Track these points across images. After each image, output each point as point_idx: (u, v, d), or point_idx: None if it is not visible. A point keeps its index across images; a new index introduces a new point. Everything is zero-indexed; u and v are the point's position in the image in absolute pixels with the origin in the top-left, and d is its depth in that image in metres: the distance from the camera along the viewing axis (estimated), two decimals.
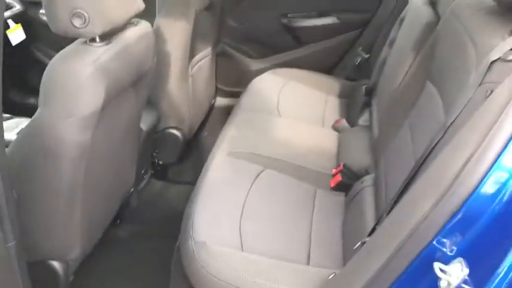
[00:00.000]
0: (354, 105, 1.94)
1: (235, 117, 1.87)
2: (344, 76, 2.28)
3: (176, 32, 1.75)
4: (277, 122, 1.85)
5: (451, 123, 0.96)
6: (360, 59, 2.17)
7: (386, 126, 1.47)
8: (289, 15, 2.30)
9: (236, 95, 2.38)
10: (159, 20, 1.74)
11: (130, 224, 1.88)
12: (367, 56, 2.14)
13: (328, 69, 2.33)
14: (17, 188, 1.15)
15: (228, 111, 2.09)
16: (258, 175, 1.51)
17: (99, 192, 1.40)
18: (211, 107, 2.45)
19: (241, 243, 1.25)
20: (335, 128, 1.88)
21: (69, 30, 1.09)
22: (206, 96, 2.25)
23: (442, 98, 1.14)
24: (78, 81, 1.07)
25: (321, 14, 2.27)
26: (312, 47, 2.33)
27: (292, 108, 1.96)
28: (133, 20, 1.30)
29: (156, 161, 2.01)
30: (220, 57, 2.38)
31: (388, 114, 1.46)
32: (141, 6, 1.26)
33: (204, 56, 2.13)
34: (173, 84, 1.82)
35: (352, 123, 1.86)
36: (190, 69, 1.96)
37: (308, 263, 1.24)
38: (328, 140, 1.78)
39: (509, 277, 0.74)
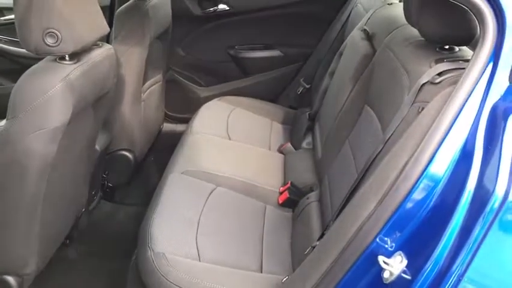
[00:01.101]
0: (297, 130, 2.08)
1: (187, 139, 1.95)
2: (287, 104, 2.44)
3: (131, 58, 1.82)
4: (227, 144, 1.95)
5: (389, 138, 1.11)
6: (301, 89, 2.34)
7: (329, 147, 1.62)
8: (236, 46, 2.45)
9: (183, 121, 2.46)
10: (115, 45, 1.80)
11: (79, 243, 1.87)
12: (308, 86, 2.31)
13: (272, 97, 2.48)
14: None
15: (174, 137, 2.16)
16: (211, 192, 1.59)
17: (57, 208, 1.42)
18: (159, 132, 2.51)
19: (199, 254, 1.32)
20: (281, 151, 2.01)
21: (41, 48, 1.15)
22: (155, 121, 2.32)
23: (379, 119, 1.30)
24: (49, 96, 1.12)
25: (266, 47, 2.44)
26: (258, 77, 2.48)
27: (241, 132, 2.08)
28: (98, 42, 1.37)
29: (106, 182, 2.03)
30: (169, 84, 2.46)
31: (331, 136, 1.61)
32: (107, 29, 1.34)
33: (155, 82, 2.20)
34: (126, 107, 1.88)
35: (296, 146, 2.00)
36: (143, 94, 2.02)
37: (261, 271, 1.33)
38: (275, 161, 1.91)
39: (439, 264, 0.87)
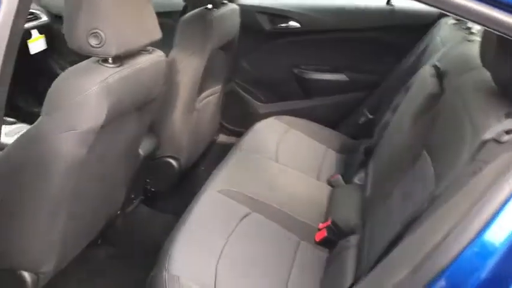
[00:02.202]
0: (351, 163, 1.95)
1: (233, 156, 1.88)
2: (346, 133, 2.30)
3: (189, 66, 1.79)
4: (273, 166, 1.86)
5: (439, 195, 0.97)
6: (364, 119, 2.20)
7: (378, 189, 1.47)
8: (301, 66, 2.36)
9: (239, 134, 2.40)
10: (175, 52, 1.78)
11: (111, 245, 1.86)
12: (371, 117, 2.17)
13: (332, 123, 2.36)
14: (4, 190, 1.15)
15: (228, 149, 2.11)
16: (243, 217, 1.50)
17: (85, 209, 1.39)
18: (213, 143, 2.48)
19: (215, 283, 1.23)
20: (329, 182, 1.88)
21: (84, 48, 1.12)
22: (209, 131, 2.28)
23: (435, 169, 1.15)
24: (83, 97, 1.10)
25: (332, 70, 2.32)
26: (319, 100, 2.38)
27: (290, 156, 1.97)
28: (148, 48, 1.33)
29: (148, 187, 2.01)
30: (228, 95, 2.42)
31: (382, 177, 1.47)
32: (158, 35, 1.30)
33: (213, 92, 2.16)
34: (177, 115, 1.85)
35: (347, 180, 1.86)
36: (197, 103, 1.99)
37: None
38: (320, 192, 1.78)
39: None
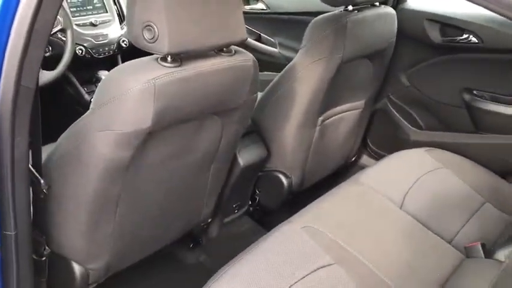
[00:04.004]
0: (503, 230, 1.44)
1: (348, 186, 1.57)
2: None
3: (310, 75, 1.55)
4: (391, 213, 1.48)
5: None
6: None
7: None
8: (475, 91, 1.86)
9: (377, 157, 2.07)
10: (298, 57, 1.56)
11: (202, 252, 1.77)
12: None
13: (502, 171, 1.81)
14: (53, 177, 1.12)
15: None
16: (321, 267, 1.21)
17: (147, 214, 1.30)
18: (352, 164, 2.17)
19: None
20: (466, 250, 1.42)
21: (140, 42, 1.01)
22: (341, 152, 1.99)
23: None
24: (124, 95, 0.98)
25: None
26: (491, 138, 1.84)
27: (423, 204, 1.56)
28: (231, 49, 1.15)
29: (257, 199, 1.85)
30: (379, 113, 2.08)
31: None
32: (241, 36, 1.11)
33: (352, 108, 1.86)
34: (290, 129, 1.63)
35: (488, 251, 1.38)
36: (322, 119, 1.73)
37: None
38: (442, 265, 1.34)
39: None
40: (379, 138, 2.13)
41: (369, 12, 1.61)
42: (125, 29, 1.94)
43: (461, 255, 1.42)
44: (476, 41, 1.77)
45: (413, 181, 1.64)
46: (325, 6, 1.63)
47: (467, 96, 1.88)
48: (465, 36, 1.79)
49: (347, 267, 1.23)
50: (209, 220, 1.61)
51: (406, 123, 2.05)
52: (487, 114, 1.84)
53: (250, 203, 1.84)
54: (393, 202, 1.54)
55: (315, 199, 2.00)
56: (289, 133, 1.64)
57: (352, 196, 1.52)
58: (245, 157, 1.57)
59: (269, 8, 2.42)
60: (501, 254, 1.34)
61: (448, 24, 1.82)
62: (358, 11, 1.57)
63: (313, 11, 2.17)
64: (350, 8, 1.56)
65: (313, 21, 1.55)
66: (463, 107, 1.90)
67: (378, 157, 2.14)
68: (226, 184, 1.57)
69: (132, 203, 1.20)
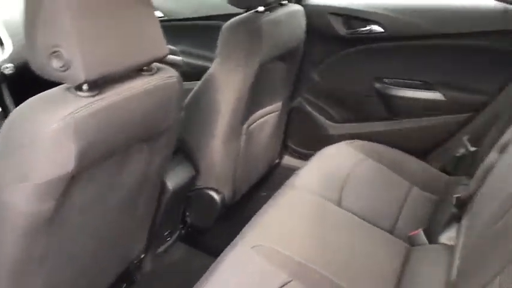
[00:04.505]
0: (439, 213, 1.48)
1: (284, 194, 1.51)
2: (439, 166, 1.81)
3: (231, 83, 1.46)
4: (333, 214, 1.45)
5: None
6: (462, 151, 1.69)
7: (472, 271, 1.01)
8: (385, 79, 1.90)
9: (306, 157, 2.03)
10: (215, 66, 1.46)
11: None
12: (473, 149, 1.66)
13: (420, 153, 1.88)
14: None
15: (291, 174, 1.75)
16: (280, 287, 1.13)
17: (77, 265, 1.12)
18: (275, 166, 2.12)
19: None
20: (408, 238, 1.43)
21: (49, 73, 0.84)
22: (267, 156, 1.93)
23: None
24: (40, 138, 0.81)
25: (424, 86, 1.83)
26: (406, 123, 1.90)
27: (359, 196, 1.55)
28: (153, 66, 1.02)
29: (188, 221, 1.72)
30: (295, 112, 2.05)
31: (482, 256, 1.01)
32: (162, 51, 0.98)
33: (271, 111, 1.81)
34: (217, 142, 1.53)
35: (431, 237, 1.40)
36: (246, 126, 1.65)
37: None
38: (391, 257, 1.34)
39: None
40: (299, 137, 2.11)
41: (280, 12, 1.56)
42: (7, 51, 1.67)
43: (406, 244, 1.43)
44: (381, 31, 1.81)
45: (344, 177, 1.63)
46: (227, 9, 1.55)
47: (378, 85, 1.92)
48: (369, 26, 1.82)
49: (305, 281, 1.17)
50: (142, 256, 1.46)
51: (323, 118, 2.05)
52: (399, 100, 1.89)
53: (181, 226, 1.71)
54: (331, 201, 1.51)
55: (247, 209, 1.94)
56: (216, 147, 1.54)
57: (292, 203, 1.46)
58: (173, 180, 1.43)
59: (166, 16, 2.28)
60: (445, 238, 1.36)
61: (351, 17, 1.84)
62: (270, 11, 1.51)
63: (214, 15, 2.08)
64: (260, 9, 1.49)
65: (225, 26, 1.46)
66: (375, 95, 1.93)
67: (300, 156, 2.12)
68: (157, 213, 1.43)
69: (60, 257, 1.02)
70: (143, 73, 0.99)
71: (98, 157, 0.92)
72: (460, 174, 1.68)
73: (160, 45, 0.97)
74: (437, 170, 1.80)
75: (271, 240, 1.27)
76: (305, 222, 1.38)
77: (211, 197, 1.64)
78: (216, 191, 1.64)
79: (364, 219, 1.47)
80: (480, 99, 1.73)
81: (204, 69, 1.54)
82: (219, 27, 1.50)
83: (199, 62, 1.88)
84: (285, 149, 2.14)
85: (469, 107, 1.77)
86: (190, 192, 1.63)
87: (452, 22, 1.72)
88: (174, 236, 1.68)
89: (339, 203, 1.51)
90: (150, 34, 0.95)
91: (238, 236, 1.31)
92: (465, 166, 1.69)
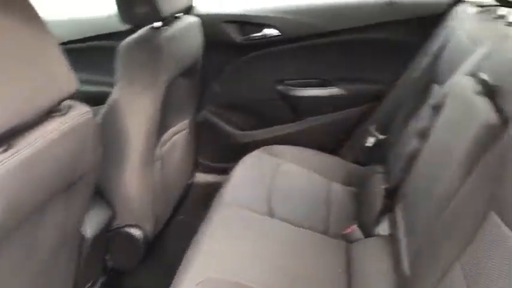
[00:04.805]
0: (368, 206, 1.50)
1: (215, 215, 1.42)
2: (351, 158, 1.86)
3: (140, 108, 1.33)
4: (269, 228, 1.40)
5: None
6: (372, 140, 1.75)
7: (424, 263, 1.03)
8: (286, 81, 1.90)
9: (220, 170, 1.97)
10: (118, 92, 1.32)
11: None
12: (382, 137, 1.72)
13: (331, 148, 1.91)
14: None
15: (209, 190, 1.67)
16: None
17: None
18: (189, 186, 2.02)
19: None
20: (344, 236, 1.44)
21: None
22: (182, 178, 1.82)
23: None
24: None
25: (325, 83, 1.87)
26: (313, 121, 1.92)
27: (288, 205, 1.52)
28: (62, 106, 0.87)
29: (109, 266, 1.55)
30: (201, 127, 1.96)
31: (428, 247, 1.02)
32: (72, 85, 0.84)
33: (180, 129, 1.71)
34: (132, 174, 1.39)
35: (366, 231, 1.42)
36: (159, 149, 1.53)
37: None
38: (335, 260, 1.33)
39: None
40: (210, 151, 2.03)
41: (177, 26, 1.46)
42: None
43: (343, 242, 1.43)
44: (277, 34, 1.80)
45: (269, 185, 1.60)
46: (116, 27, 1.42)
47: (280, 88, 1.91)
48: (265, 31, 1.80)
49: None
50: None
51: (231, 128, 1.99)
52: (303, 99, 1.91)
53: (103, 272, 1.53)
54: (264, 214, 1.47)
55: (167, 237, 1.81)
56: (130, 179, 1.40)
57: (226, 224, 1.38)
58: (91, 226, 1.27)
59: None
60: (380, 229, 1.39)
61: (246, 23, 1.80)
62: (167, 26, 1.41)
63: (103, 34, 1.92)
64: (156, 24, 1.38)
65: (122, 47, 1.32)
66: (279, 98, 1.93)
67: (214, 171, 2.04)
68: (78, 265, 1.25)
69: None
70: (54, 115, 0.84)
71: (14, 220, 0.76)
72: (374, 163, 1.74)
73: (70, 79, 0.83)
74: (351, 162, 1.84)
75: (216, 270, 1.18)
76: (245, 242, 1.31)
77: (132, 235, 1.49)
78: (137, 227, 1.49)
79: (298, 226, 1.45)
80: (380, 88, 1.81)
81: (103, 96, 1.39)
82: (111, 48, 1.36)
83: (95, 89, 1.70)
84: (198, 166, 2.05)
85: (371, 98, 1.84)
86: (108, 233, 1.47)
87: (343, 18, 1.77)
88: (98, 284, 1.51)
89: (271, 214, 1.47)
90: (55, 67, 0.80)
91: (179, 272, 1.20)
92: (377, 155, 1.75)
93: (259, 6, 1.79)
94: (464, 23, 1.47)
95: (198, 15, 1.71)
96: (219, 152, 2.03)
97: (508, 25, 1.25)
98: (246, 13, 1.79)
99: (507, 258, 0.77)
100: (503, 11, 1.34)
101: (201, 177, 2.07)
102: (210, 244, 1.28)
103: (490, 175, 0.89)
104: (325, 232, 1.47)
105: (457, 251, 0.92)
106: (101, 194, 1.40)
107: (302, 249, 1.35)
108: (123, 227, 1.48)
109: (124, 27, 1.42)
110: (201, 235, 1.33)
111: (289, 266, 1.27)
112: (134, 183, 1.41)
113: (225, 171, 1.79)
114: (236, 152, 1.83)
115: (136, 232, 1.49)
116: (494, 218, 0.84)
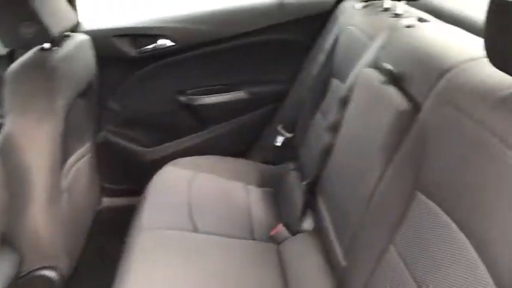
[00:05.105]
0: (289, 204, 1.52)
1: (135, 243, 1.33)
2: (262, 160, 1.88)
3: (37, 140, 1.21)
4: (195, 244, 1.35)
5: None
6: (281, 139, 1.78)
7: (358, 253, 1.06)
8: (187, 91, 1.86)
9: (130, 193, 1.86)
10: (11, 124, 1.18)
11: None
12: (289, 135, 1.76)
13: (242, 152, 1.91)
14: None
15: (122, 214, 1.58)
16: None
17: None
18: (99, 213, 1.89)
19: None
20: (272, 238, 1.44)
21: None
22: (89, 205, 1.69)
23: (458, 222, 0.77)
24: None
25: (227, 89, 1.87)
26: (220, 128, 1.91)
27: (210, 217, 1.49)
28: None
29: None
30: (103, 149, 1.84)
31: (360, 236, 1.06)
32: None
33: (83, 154, 1.59)
34: (39, 211, 1.26)
35: (292, 229, 1.44)
36: (63, 181, 1.40)
37: None
38: (268, 264, 1.32)
39: None
40: (117, 173, 1.91)
41: (68, 45, 1.35)
42: None
43: (271, 244, 1.43)
44: (172, 44, 1.75)
45: (187, 200, 1.55)
46: None
47: (182, 98, 1.87)
48: (160, 42, 1.74)
49: None
50: None
51: (135, 147, 1.90)
52: (207, 107, 1.88)
53: None
54: (188, 231, 1.41)
55: (81, 272, 1.68)
56: (38, 220, 1.26)
57: (149, 248, 1.30)
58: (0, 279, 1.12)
59: None
60: (306, 225, 1.41)
61: (138, 35, 1.73)
62: (57, 47, 1.29)
63: None
64: (46, 45, 1.26)
65: (9, 74, 1.19)
66: (182, 109, 1.88)
67: (123, 194, 1.93)
68: None
69: None
70: None
71: None
72: (285, 162, 1.77)
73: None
74: (262, 163, 1.86)
75: None
76: (174, 264, 1.25)
77: (47, 278, 1.35)
78: (50, 268, 1.35)
79: (225, 236, 1.42)
80: (282, 88, 1.85)
81: None
82: None
83: None
84: (104, 190, 1.92)
85: (274, 98, 1.87)
86: (19, 280, 1.31)
87: (236, 23, 1.78)
88: None
89: (195, 230, 1.42)
90: None
91: None
92: (287, 153, 1.79)
93: (150, 17, 1.73)
94: (353, 18, 1.56)
95: (86, 32, 1.61)
96: (125, 173, 1.93)
97: (395, 16, 1.35)
98: (136, 25, 1.71)
99: (436, 227, 0.83)
100: (387, 3, 1.44)
101: (110, 202, 1.94)
102: (137, 272, 1.20)
103: (410, 158, 0.95)
104: (252, 237, 1.46)
105: (389, 233, 0.96)
106: (4, 239, 1.25)
107: (234, 260, 1.33)
108: (35, 270, 1.33)
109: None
110: (125, 264, 1.24)
111: (224, 278, 1.24)
112: (42, 222, 1.28)
113: (136, 192, 1.70)
114: (144, 171, 1.76)
115: (50, 274, 1.35)
116: (421, 197, 0.90)
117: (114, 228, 1.59)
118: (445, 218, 0.81)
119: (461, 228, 0.77)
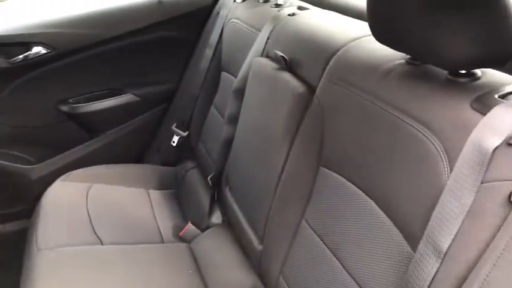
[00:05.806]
0: (196, 201, 1.51)
1: (35, 269, 1.21)
2: (160, 162, 1.84)
3: None
4: (102, 258, 1.27)
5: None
6: (177, 139, 1.75)
7: (273, 234, 1.09)
8: (70, 100, 1.75)
9: (18, 215, 1.71)
10: None
11: None
12: (185, 133, 1.74)
13: (138, 157, 1.85)
14: None
15: (13, 239, 1.44)
16: None
17: None
18: None
19: None
20: (183, 238, 1.42)
21: None
22: None
23: (369, 192, 0.83)
24: None
25: (114, 93, 1.79)
26: (112, 134, 1.82)
27: (114, 227, 1.42)
28: None
29: None
30: None
31: (274, 218, 1.08)
32: None
33: None
34: None
35: (201, 226, 1.43)
36: None
37: None
38: (182, 265, 1.30)
39: None
40: (3, 197, 1.73)
41: None
42: None
43: (184, 244, 1.41)
44: (48, 51, 1.63)
45: (85, 213, 1.46)
46: None
47: (65, 108, 1.75)
48: (35, 50, 1.61)
49: None
50: None
51: (18, 166, 1.73)
52: (94, 114, 1.79)
53: None
54: (93, 244, 1.34)
55: None
56: None
57: (52, 271, 1.19)
58: None
59: None
60: (214, 218, 1.42)
61: (9, 44, 1.58)
62: None
63: None
64: None
65: None
66: (67, 119, 1.76)
67: (11, 218, 1.75)
68: None
69: None
70: None
71: None
72: (184, 161, 1.76)
73: None
74: (161, 165, 1.82)
75: None
76: (80, 282, 1.17)
77: None
78: None
79: (133, 244, 1.37)
80: (172, 87, 1.83)
81: None
82: None
83: None
84: None
85: (164, 98, 1.84)
86: None
87: (117, 24, 1.70)
88: None
89: (100, 242, 1.35)
90: None
91: None
92: (185, 151, 1.77)
93: (23, 24, 1.59)
94: (235, 11, 1.59)
95: None
96: (10, 196, 1.75)
97: (276, 7, 1.40)
98: (6, 33, 1.56)
99: (344, 197, 0.89)
100: None
101: (2, 228, 1.76)
102: None
103: (311, 137, 1.00)
104: (161, 241, 1.42)
105: (301, 210, 1.01)
106: None
107: (143, 266, 1.28)
108: None
109: None
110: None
111: (134, 286, 1.19)
112: None
113: (26, 214, 1.57)
114: (32, 190, 1.62)
115: None
116: (326, 171, 0.95)
117: (10, 254, 1.46)
118: (353, 188, 0.87)
119: (368, 194, 0.83)
